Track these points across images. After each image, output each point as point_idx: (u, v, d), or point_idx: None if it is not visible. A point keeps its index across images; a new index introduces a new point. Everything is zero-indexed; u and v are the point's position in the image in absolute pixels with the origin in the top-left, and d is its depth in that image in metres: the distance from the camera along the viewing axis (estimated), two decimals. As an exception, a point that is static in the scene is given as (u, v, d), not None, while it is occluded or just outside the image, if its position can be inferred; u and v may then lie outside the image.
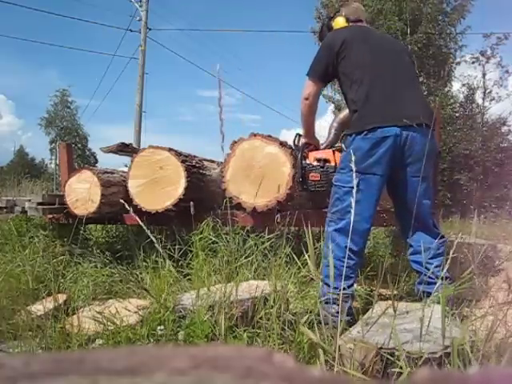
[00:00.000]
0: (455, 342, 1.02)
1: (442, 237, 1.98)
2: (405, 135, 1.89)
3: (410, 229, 1.88)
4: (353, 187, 1.84)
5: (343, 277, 1.79)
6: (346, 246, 1.81)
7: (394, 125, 1.88)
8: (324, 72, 2.13)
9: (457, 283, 1.41)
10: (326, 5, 14.25)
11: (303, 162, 2.33)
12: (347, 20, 2.28)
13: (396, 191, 2.04)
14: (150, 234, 1.44)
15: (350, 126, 2.03)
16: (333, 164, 2.27)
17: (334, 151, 2.33)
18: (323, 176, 2.26)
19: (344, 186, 1.90)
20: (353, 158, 1.82)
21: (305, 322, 1.34)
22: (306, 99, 2.17)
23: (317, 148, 2.40)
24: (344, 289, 1.74)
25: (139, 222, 1.54)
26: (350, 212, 1.85)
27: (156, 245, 1.54)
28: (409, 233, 1.93)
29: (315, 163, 2.30)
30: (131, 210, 1.56)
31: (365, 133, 1.89)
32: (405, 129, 1.89)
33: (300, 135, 2.42)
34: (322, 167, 2.28)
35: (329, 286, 1.82)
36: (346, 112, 2.53)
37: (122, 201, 1.57)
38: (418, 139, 1.90)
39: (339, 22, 2.30)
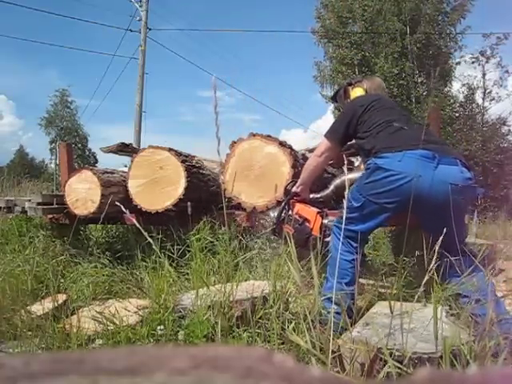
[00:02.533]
0: (447, 343, 1.02)
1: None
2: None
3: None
4: (356, 207, 1.87)
5: (343, 274, 1.81)
6: (344, 245, 1.85)
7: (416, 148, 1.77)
8: (344, 135, 2.11)
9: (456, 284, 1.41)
10: (326, 5, 14.27)
11: (284, 210, 2.30)
12: (366, 93, 2.32)
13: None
14: (146, 235, 1.43)
15: (372, 153, 1.95)
16: (310, 227, 2.20)
17: (318, 213, 2.24)
18: (297, 233, 2.16)
19: (351, 202, 1.85)
20: (364, 181, 1.84)
21: (304, 321, 1.34)
22: (319, 157, 2.15)
23: (305, 201, 2.34)
24: (342, 289, 1.75)
25: (135, 223, 1.54)
26: (352, 223, 1.88)
27: (154, 246, 1.53)
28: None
29: (296, 216, 2.25)
30: (127, 212, 1.56)
31: (386, 158, 1.81)
32: (439, 162, 1.76)
33: (295, 182, 2.36)
34: (300, 224, 2.22)
35: (330, 282, 1.85)
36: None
37: (117, 203, 1.57)
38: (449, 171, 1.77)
39: (357, 94, 2.34)
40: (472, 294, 1.49)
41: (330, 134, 2.15)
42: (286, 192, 2.39)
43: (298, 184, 2.32)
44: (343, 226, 1.80)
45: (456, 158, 1.84)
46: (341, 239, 1.80)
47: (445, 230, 1.51)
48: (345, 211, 1.71)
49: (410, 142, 1.79)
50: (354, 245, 1.92)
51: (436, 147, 1.82)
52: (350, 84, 2.46)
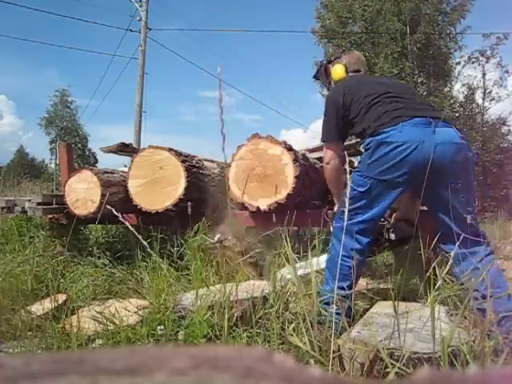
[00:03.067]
0: (445, 342, 1.02)
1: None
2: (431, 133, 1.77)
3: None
4: (363, 192, 1.82)
5: (343, 276, 1.78)
6: (349, 246, 1.79)
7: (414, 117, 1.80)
8: (338, 131, 2.08)
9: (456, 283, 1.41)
10: (326, 5, 14.26)
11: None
12: (346, 69, 2.28)
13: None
14: (140, 238, 1.43)
15: (367, 132, 1.93)
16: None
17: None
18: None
19: (355, 189, 1.83)
20: (368, 161, 1.80)
21: (304, 322, 1.34)
22: (328, 164, 2.11)
23: None
24: (343, 289, 1.74)
25: (129, 226, 1.53)
26: (358, 214, 1.84)
27: (149, 249, 1.54)
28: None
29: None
30: (119, 215, 1.55)
31: (387, 133, 1.80)
32: (436, 126, 1.78)
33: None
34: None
35: (329, 284, 1.81)
36: None
37: (109, 207, 1.56)
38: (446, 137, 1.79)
39: (337, 71, 2.30)
40: (481, 287, 1.47)
41: (326, 138, 2.13)
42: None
43: (335, 199, 2.26)
44: (347, 223, 1.74)
45: (447, 121, 1.87)
46: (343, 240, 1.78)
47: (455, 197, 1.69)
48: (347, 204, 1.70)
49: (402, 113, 1.82)
50: (365, 240, 1.85)
51: (428, 113, 1.86)
52: (329, 62, 2.44)
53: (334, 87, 2.25)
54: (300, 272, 2.30)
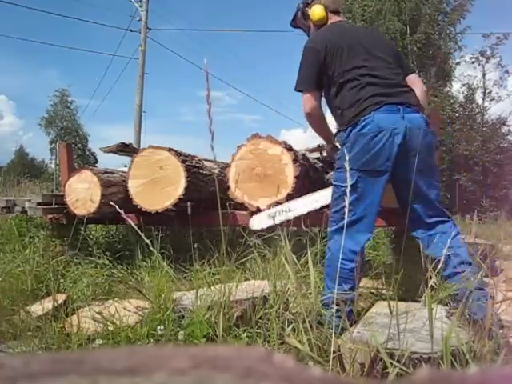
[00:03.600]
0: (446, 342, 1.02)
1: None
2: (405, 121, 1.82)
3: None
4: (351, 185, 1.80)
5: (342, 279, 1.76)
6: (346, 247, 1.75)
7: (393, 104, 1.84)
8: (317, 78, 2.00)
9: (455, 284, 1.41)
10: (326, 5, 14.23)
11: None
12: (326, 9, 2.17)
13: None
14: (143, 236, 1.43)
15: (341, 123, 1.96)
16: None
17: None
18: None
19: (342, 185, 1.80)
20: (349, 154, 1.76)
21: (304, 322, 1.34)
22: (309, 114, 2.05)
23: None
24: (345, 291, 1.72)
25: (132, 224, 1.54)
26: (350, 211, 1.78)
27: (151, 247, 1.54)
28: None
29: None
30: (122, 212, 1.56)
31: (361, 124, 1.82)
32: (404, 112, 1.84)
33: (322, 147, 2.34)
34: None
35: (328, 287, 1.80)
36: None
37: (112, 203, 1.57)
38: (416, 125, 1.85)
39: (316, 12, 2.17)
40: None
41: (302, 86, 2.03)
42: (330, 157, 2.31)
43: (325, 142, 2.28)
44: (340, 224, 1.75)
45: (414, 105, 1.91)
46: (339, 242, 1.74)
47: (423, 181, 1.83)
48: (336, 203, 1.70)
49: (374, 101, 1.85)
50: (363, 239, 1.84)
51: (398, 97, 1.89)
52: (306, 4, 2.24)
53: (316, 35, 2.14)
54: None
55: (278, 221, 2.39)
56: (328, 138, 2.22)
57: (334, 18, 2.19)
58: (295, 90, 2.08)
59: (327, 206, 2.57)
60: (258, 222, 2.47)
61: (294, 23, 2.37)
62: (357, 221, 1.84)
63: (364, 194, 1.84)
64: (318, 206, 2.36)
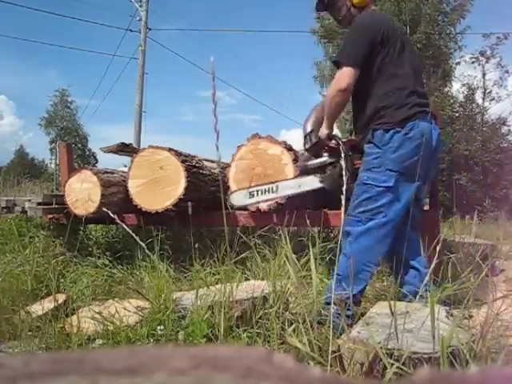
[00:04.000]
0: (444, 342, 1.02)
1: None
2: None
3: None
4: (388, 187, 1.79)
5: (359, 280, 1.68)
6: (375, 250, 1.74)
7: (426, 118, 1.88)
8: (365, 58, 1.86)
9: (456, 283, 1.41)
10: (326, 5, 14.23)
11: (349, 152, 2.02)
12: None
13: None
14: (137, 239, 1.43)
15: (382, 121, 1.87)
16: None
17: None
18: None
19: (378, 186, 1.80)
20: (392, 156, 1.79)
21: (304, 322, 1.34)
22: (344, 90, 1.87)
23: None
24: (359, 292, 1.69)
25: (126, 228, 1.54)
26: (381, 213, 1.79)
27: (146, 250, 1.54)
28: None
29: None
30: (116, 217, 1.56)
31: (408, 128, 1.82)
32: (434, 123, 1.93)
33: (310, 134, 2.10)
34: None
35: (339, 287, 1.71)
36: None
37: (105, 209, 1.57)
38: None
39: None
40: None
41: (351, 60, 1.87)
42: (316, 144, 2.08)
43: (327, 128, 2.02)
44: (369, 225, 1.74)
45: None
46: (365, 243, 1.71)
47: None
48: (365, 203, 1.71)
49: (419, 109, 1.89)
50: (389, 242, 1.81)
51: (428, 108, 1.96)
52: None
53: (372, 16, 2.03)
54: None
55: (258, 199, 2.40)
56: (332, 124, 2.05)
57: (372, 6, 2.13)
58: (337, 60, 1.95)
59: (328, 204, 2.56)
60: (237, 198, 2.50)
61: (323, 5, 2.22)
62: (386, 223, 1.80)
63: (399, 197, 1.82)
64: (301, 190, 2.32)
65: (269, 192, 2.40)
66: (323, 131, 2.03)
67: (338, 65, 1.93)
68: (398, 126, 1.83)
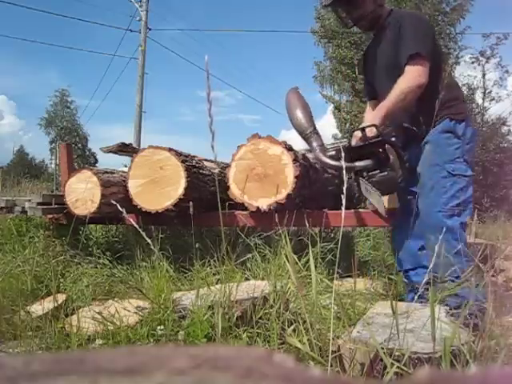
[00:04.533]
0: (446, 343, 1.02)
1: None
2: None
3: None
4: (470, 176, 1.80)
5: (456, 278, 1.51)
6: (465, 244, 1.70)
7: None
8: (431, 50, 1.78)
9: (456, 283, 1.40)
10: (326, 5, 14.23)
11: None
12: None
13: None
14: (145, 235, 1.43)
15: (455, 111, 1.85)
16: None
17: None
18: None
19: (465, 176, 1.78)
20: (467, 147, 1.82)
21: (304, 322, 1.34)
22: (423, 85, 1.74)
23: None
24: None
25: (134, 224, 1.54)
26: (470, 203, 1.80)
27: (152, 247, 1.53)
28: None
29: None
30: (124, 211, 1.55)
31: (470, 123, 1.92)
32: None
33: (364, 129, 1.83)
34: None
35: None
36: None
37: (113, 201, 1.57)
38: None
39: None
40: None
41: (425, 50, 1.75)
42: (381, 140, 1.79)
43: (381, 119, 1.78)
44: (461, 218, 1.72)
45: None
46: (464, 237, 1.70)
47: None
48: (458, 195, 1.69)
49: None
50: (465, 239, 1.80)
51: None
52: None
53: (417, 12, 2.06)
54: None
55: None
56: (389, 118, 1.86)
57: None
58: (414, 52, 1.77)
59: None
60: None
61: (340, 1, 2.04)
62: (469, 214, 1.81)
63: (471, 187, 1.84)
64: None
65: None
66: (382, 128, 1.81)
67: (414, 57, 1.77)
68: (465, 119, 1.87)
